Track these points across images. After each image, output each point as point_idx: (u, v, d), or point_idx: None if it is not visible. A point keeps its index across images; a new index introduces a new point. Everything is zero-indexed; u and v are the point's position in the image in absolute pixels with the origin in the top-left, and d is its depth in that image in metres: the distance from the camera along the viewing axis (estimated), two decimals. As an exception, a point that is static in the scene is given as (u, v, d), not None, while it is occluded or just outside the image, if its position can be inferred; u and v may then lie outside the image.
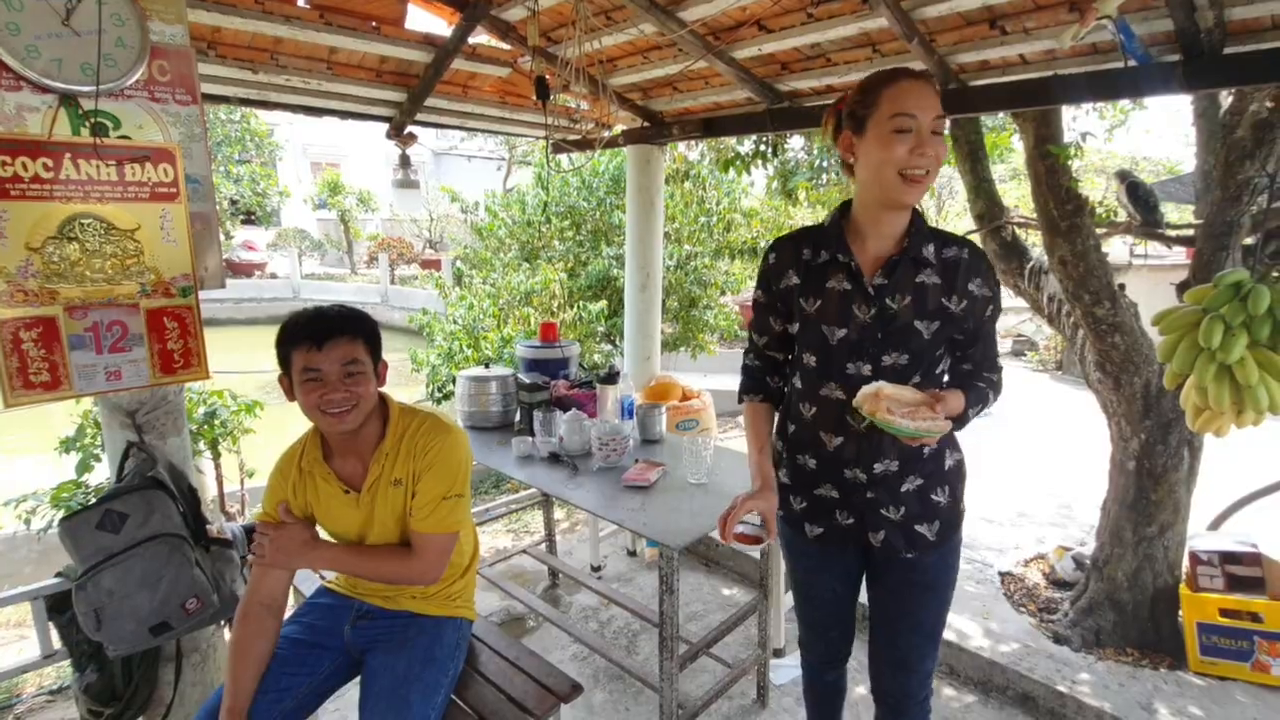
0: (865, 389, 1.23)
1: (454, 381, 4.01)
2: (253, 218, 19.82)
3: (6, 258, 1.66)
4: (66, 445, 2.75)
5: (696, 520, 1.83)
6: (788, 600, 2.65)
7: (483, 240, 5.77)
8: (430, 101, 2.96)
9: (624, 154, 5.40)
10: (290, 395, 1.47)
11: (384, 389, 1.59)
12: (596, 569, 3.22)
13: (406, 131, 3.13)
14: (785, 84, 2.90)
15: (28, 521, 2.56)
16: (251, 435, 3.37)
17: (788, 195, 5.79)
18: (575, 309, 4.46)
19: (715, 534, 2.99)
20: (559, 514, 3.86)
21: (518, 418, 2.67)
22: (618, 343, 5.45)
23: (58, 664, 2.21)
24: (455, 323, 4.50)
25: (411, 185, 3.21)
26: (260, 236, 19.48)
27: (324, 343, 1.40)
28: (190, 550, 1.89)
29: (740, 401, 1.55)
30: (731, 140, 5.95)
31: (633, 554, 3.41)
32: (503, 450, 2.40)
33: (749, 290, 10.27)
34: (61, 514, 2.32)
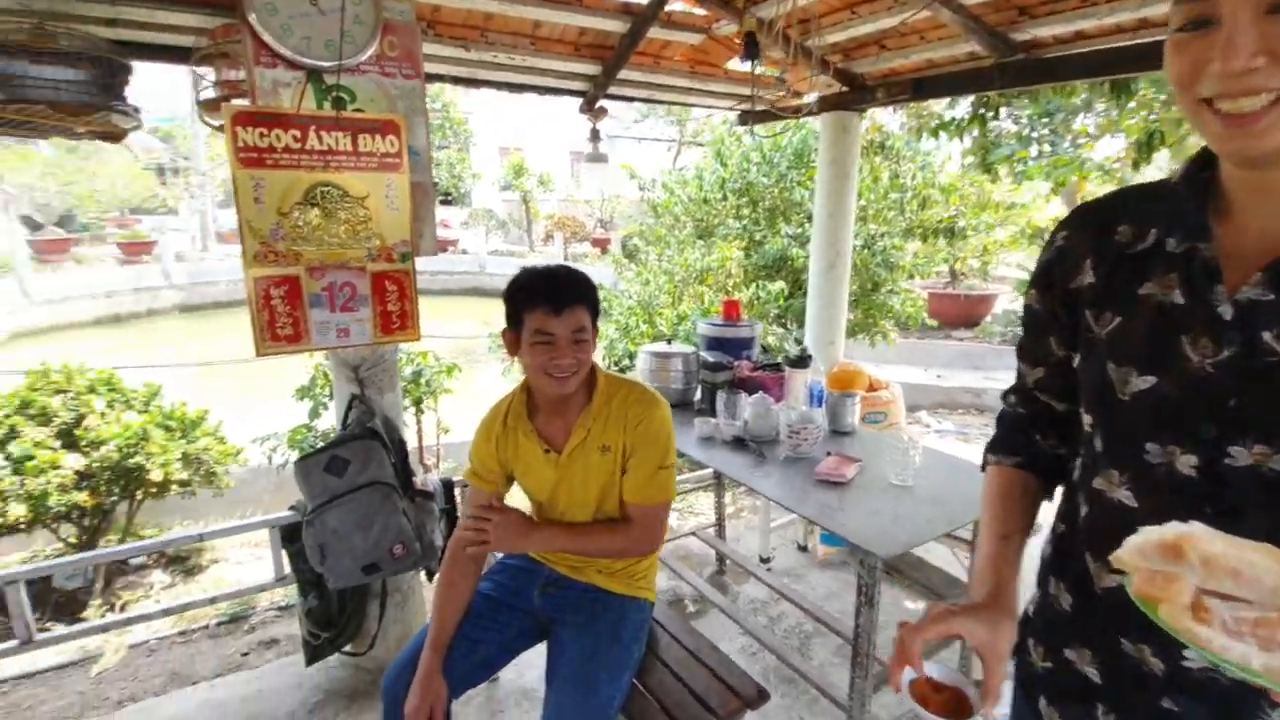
0: (1145, 536, 0.60)
1: (631, 356, 4.05)
2: (449, 199, 21.78)
3: (261, 221, 1.84)
4: (302, 393, 3.13)
5: (900, 527, 1.63)
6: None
7: (657, 217, 5.77)
8: (623, 74, 2.93)
9: (809, 127, 5.10)
10: (513, 351, 1.50)
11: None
12: (766, 560, 3.08)
13: (598, 105, 3.13)
14: (1022, 33, 2.49)
15: (270, 458, 2.96)
16: (450, 395, 3.63)
17: (986, 170, 5.15)
18: (753, 288, 4.29)
19: (919, 550, 2.69)
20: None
21: (698, 396, 2.59)
22: (790, 325, 5.20)
23: (286, 586, 2.51)
24: (631, 298, 4.53)
25: (601, 160, 3.22)
26: (454, 215, 21.36)
27: (562, 309, 1.41)
28: (399, 499, 2.03)
29: (983, 467, 0.98)
30: (937, 105, 5.38)
31: (804, 549, 3.22)
32: (683, 430, 2.33)
33: (939, 277, 9.39)
34: (297, 454, 2.63)
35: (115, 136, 2.19)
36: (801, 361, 2.24)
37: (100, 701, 2.48)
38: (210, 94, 2.10)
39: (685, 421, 2.40)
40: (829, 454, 2.01)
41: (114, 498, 3.05)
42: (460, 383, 3.91)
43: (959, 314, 9.45)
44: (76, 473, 2.88)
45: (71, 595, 3.24)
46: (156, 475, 2.99)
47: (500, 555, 1.81)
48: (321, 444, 2.03)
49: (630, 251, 5.60)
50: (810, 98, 3.20)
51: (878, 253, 4.74)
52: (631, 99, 3.27)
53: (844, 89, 3.21)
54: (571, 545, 1.56)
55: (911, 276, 5.14)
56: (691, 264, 4.58)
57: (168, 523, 4.30)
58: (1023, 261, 9.51)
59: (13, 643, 2.02)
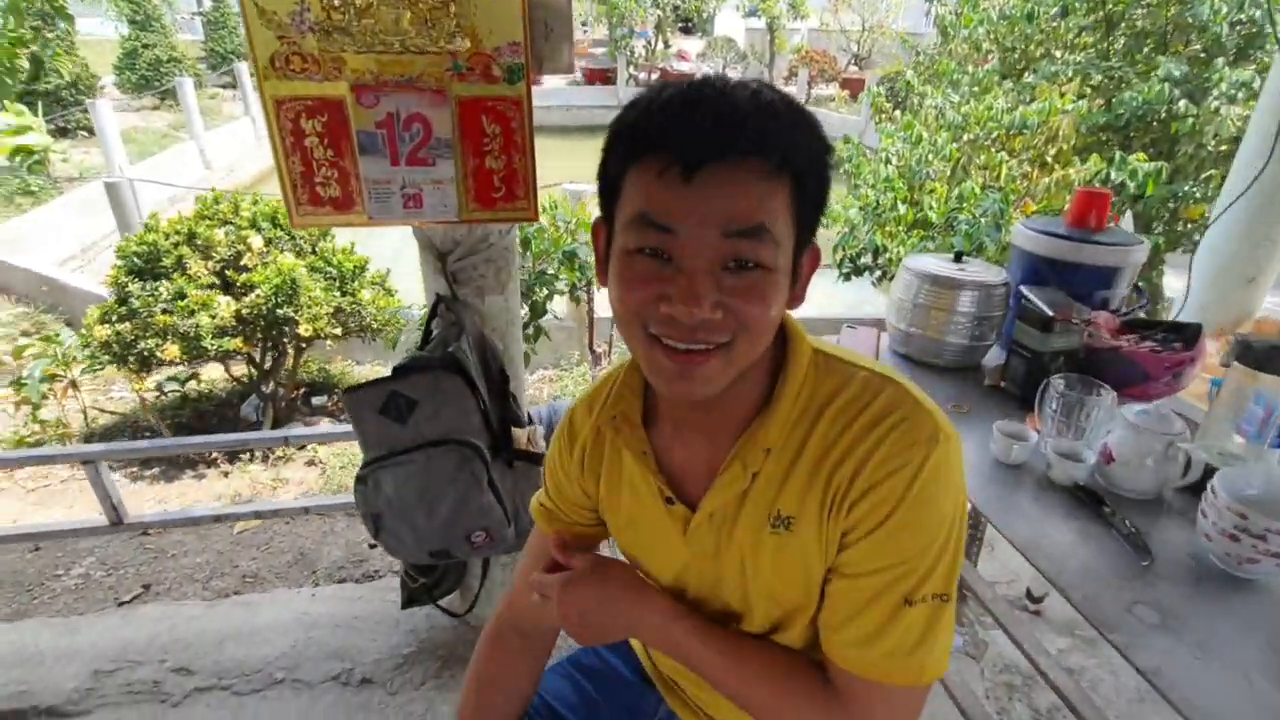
0: None
1: (877, 254, 2.91)
2: (688, 26, 19.86)
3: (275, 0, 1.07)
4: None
5: None
6: None
7: (946, 41, 4.11)
8: None
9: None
10: (603, 272, 0.66)
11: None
12: (1036, 600, 2.03)
13: None
14: None
15: (394, 342, 2.51)
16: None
17: None
18: (1092, 163, 2.72)
19: None
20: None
21: (991, 360, 1.51)
22: (1117, 217, 3.51)
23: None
24: (888, 162, 3.24)
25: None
26: (693, 46, 19.57)
27: (704, 165, 0.54)
28: (483, 468, 1.34)
29: None
30: None
31: (1106, 594, 2.09)
32: (959, 427, 1.31)
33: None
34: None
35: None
36: (1289, 358, 1.03)
37: (229, 569, 2.37)
38: None
39: (962, 408, 1.37)
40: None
41: (268, 346, 2.89)
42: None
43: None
44: (235, 315, 2.69)
45: (252, 427, 3.27)
46: (305, 330, 2.72)
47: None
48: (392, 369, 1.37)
49: (899, 94, 4.10)
50: None
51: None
52: None
53: None
54: (708, 666, 0.72)
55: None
56: (994, 116, 3.09)
57: (356, 358, 4.31)
58: None
59: (102, 521, 1.81)
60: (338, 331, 2.82)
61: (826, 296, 4.56)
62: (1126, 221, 3.60)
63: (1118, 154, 2.51)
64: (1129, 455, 1.08)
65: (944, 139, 3.21)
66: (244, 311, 2.65)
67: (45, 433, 2.96)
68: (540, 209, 1.54)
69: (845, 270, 2.84)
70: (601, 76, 16.53)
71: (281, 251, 2.81)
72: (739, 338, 0.58)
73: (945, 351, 1.50)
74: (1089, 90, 3.59)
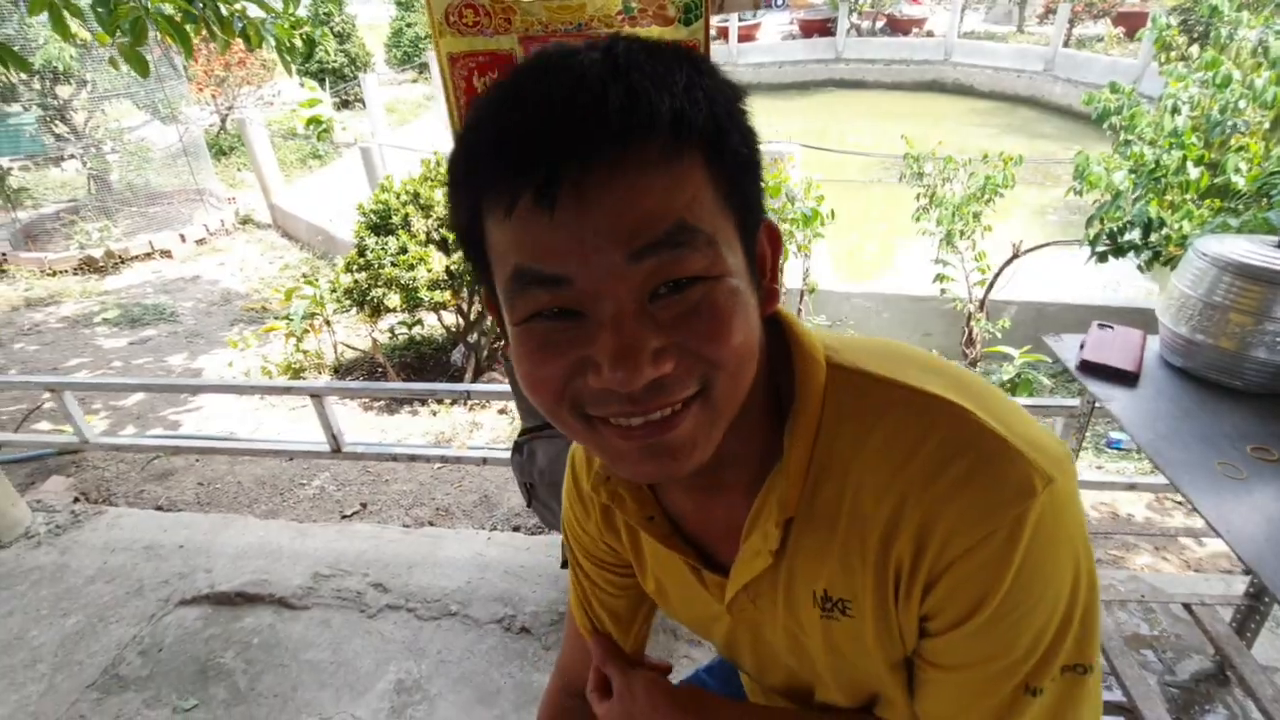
0: None
1: (1149, 231, 2.30)
2: (927, -36, 17.68)
3: (451, -52, 1.04)
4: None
5: None
6: None
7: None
8: None
9: None
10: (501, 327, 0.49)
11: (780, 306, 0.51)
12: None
13: None
14: None
15: None
16: (820, 241, 2.63)
17: None
18: None
19: None
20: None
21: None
22: None
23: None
24: (1176, 111, 2.54)
25: None
26: (928, -13, 17.47)
27: (556, 179, 0.37)
28: (634, 447, 1.27)
29: None
30: None
31: None
32: (1259, 481, 0.96)
33: None
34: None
35: None
36: None
37: (428, 499, 2.63)
38: None
39: (1270, 461, 1.00)
40: None
41: (472, 299, 3.12)
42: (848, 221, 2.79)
43: None
44: (445, 270, 2.93)
45: (461, 371, 3.60)
46: (501, 286, 2.87)
47: (688, 674, 0.96)
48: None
49: (1194, 27, 3.19)
50: None
51: None
52: None
53: None
54: None
55: None
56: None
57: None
58: None
59: (325, 448, 2.08)
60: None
61: (1066, 278, 3.82)
62: None
63: None
64: None
65: (1266, 80, 2.43)
66: (451, 267, 2.89)
67: (306, 361, 3.55)
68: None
69: (1101, 248, 2.28)
70: (820, 28, 15.41)
71: (488, 211, 2.99)
72: (714, 379, 0.42)
73: (1248, 370, 1.12)
74: None
